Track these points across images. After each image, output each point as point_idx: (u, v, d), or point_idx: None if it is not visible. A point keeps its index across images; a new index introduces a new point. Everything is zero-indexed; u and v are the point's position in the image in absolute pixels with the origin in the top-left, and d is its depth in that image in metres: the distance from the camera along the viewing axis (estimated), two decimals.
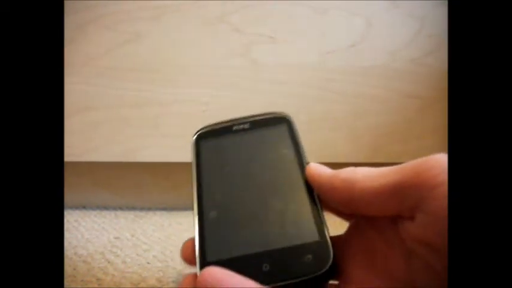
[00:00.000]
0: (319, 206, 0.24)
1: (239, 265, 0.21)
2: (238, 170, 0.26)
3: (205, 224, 0.24)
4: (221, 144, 0.28)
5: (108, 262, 0.38)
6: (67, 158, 0.44)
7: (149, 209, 0.51)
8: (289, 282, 0.21)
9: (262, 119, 0.29)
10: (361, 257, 0.23)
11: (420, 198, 0.19)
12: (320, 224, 0.23)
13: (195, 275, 0.22)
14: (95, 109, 0.46)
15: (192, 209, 0.25)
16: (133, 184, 0.50)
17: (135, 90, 0.46)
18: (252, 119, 0.29)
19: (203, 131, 0.29)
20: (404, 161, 0.21)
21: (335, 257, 0.22)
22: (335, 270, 0.22)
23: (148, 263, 0.38)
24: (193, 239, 0.24)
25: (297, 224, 0.23)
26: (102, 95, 0.46)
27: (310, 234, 0.23)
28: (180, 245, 0.40)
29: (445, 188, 0.19)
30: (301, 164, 0.26)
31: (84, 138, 0.46)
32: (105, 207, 0.51)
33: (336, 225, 0.26)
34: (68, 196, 0.47)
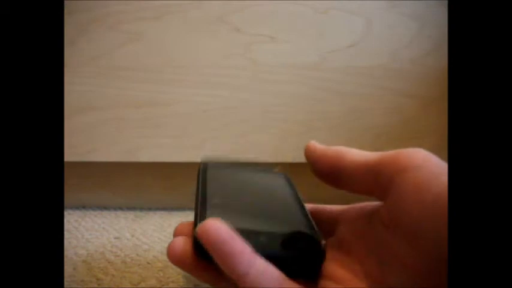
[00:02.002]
0: (311, 219, 0.27)
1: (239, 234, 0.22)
2: (240, 189, 0.30)
3: (207, 212, 0.26)
4: (226, 171, 0.32)
5: (108, 262, 0.38)
6: (67, 158, 0.44)
7: (149, 209, 0.51)
8: (281, 255, 0.23)
9: (264, 168, 0.34)
10: (341, 259, 0.25)
11: (391, 178, 0.21)
12: (313, 226, 0.26)
13: (190, 223, 0.24)
14: (96, 109, 0.46)
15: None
16: (133, 184, 0.50)
17: (135, 90, 0.46)
18: (255, 165, 0.34)
19: (209, 160, 0.33)
20: None
21: (325, 245, 0.24)
22: (323, 258, 0.24)
23: (148, 263, 0.38)
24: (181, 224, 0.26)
25: (292, 224, 0.26)
26: (103, 95, 0.46)
27: (303, 228, 0.26)
28: None
29: (415, 174, 0.20)
30: (297, 196, 0.29)
31: (85, 138, 0.46)
32: (105, 207, 0.51)
33: None
34: (68, 196, 0.47)
